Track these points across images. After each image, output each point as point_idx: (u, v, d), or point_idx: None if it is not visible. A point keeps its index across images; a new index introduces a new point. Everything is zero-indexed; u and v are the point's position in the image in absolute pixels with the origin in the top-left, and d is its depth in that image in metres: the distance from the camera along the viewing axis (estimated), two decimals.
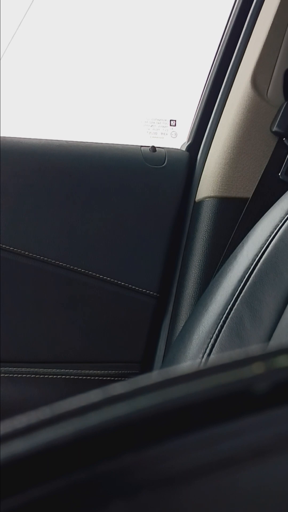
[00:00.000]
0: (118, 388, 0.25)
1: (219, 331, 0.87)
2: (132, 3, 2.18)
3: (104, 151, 1.19)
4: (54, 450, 0.23)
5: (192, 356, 0.89)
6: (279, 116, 1.16)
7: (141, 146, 1.21)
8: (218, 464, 0.24)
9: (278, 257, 0.87)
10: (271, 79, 1.17)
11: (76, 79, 2.23)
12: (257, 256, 0.89)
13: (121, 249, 1.17)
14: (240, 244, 0.95)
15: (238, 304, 0.87)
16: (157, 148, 1.20)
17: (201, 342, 0.88)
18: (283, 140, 1.17)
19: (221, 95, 1.22)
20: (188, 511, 0.24)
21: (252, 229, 0.95)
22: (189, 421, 0.24)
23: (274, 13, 1.16)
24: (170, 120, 1.93)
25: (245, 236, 0.95)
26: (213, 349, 0.87)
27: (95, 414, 0.24)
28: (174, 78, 2.13)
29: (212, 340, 0.87)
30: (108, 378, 1.16)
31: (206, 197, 1.18)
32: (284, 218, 0.89)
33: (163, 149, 1.21)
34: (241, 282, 0.88)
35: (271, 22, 1.16)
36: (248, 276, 0.88)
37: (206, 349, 0.87)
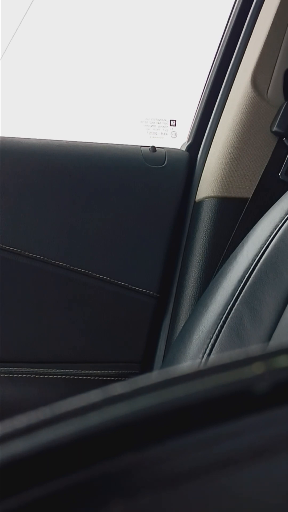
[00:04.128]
0: (118, 388, 0.25)
1: (219, 331, 0.87)
2: (132, 3, 2.18)
3: (104, 151, 1.19)
4: (54, 451, 0.23)
5: (192, 356, 0.89)
6: (279, 116, 1.16)
7: (141, 146, 1.21)
8: (218, 464, 0.24)
9: (278, 257, 0.87)
10: (271, 79, 1.17)
11: (76, 79, 2.23)
12: (257, 256, 0.89)
13: (121, 249, 1.17)
14: (240, 244, 0.95)
15: (238, 304, 0.87)
16: (157, 148, 1.20)
17: (201, 342, 0.88)
18: (283, 140, 1.17)
19: (221, 95, 1.22)
20: (188, 511, 0.24)
21: (252, 229, 0.95)
22: (189, 421, 0.24)
23: (274, 13, 1.16)
24: (170, 120, 1.93)
25: (245, 236, 0.95)
26: (213, 349, 0.87)
27: (95, 414, 0.24)
28: (174, 78, 2.13)
29: (212, 340, 0.87)
30: (108, 378, 1.16)
31: (206, 197, 1.18)
32: (284, 218, 0.89)
33: (163, 149, 1.21)
34: (241, 282, 0.88)
35: (271, 22, 1.16)
36: (248, 276, 0.88)
37: (206, 349, 0.87)
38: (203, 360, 0.87)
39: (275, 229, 0.89)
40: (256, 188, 1.16)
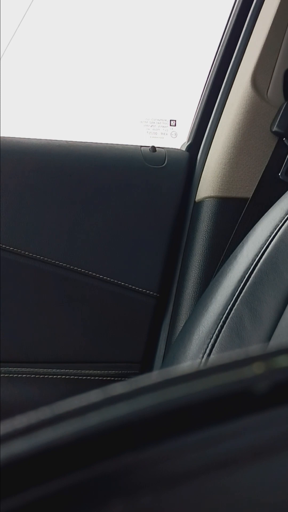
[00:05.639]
0: (118, 388, 0.25)
1: (219, 331, 0.87)
2: (132, 3, 2.18)
3: (104, 151, 1.19)
4: (54, 450, 0.23)
5: (192, 356, 0.89)
6: (279, 116, 1.16)
7: (141, 146, 1.21)
8: (218, 464, 0.24)
9: (278, 257, 0.87)
10: (271, 79, 1.17)
11: (76, 80, 2.23)
12: (257, 256, 0.89)
13: (121, 249, 1.17)
14: (240, 244, 0.95)
15: (238, 304, 0.87)
16: (157, 148, 1.20)
17: (201, 342, 0.88)
18: (283, 140, 1.17)
19: (221, 95, 1.22)
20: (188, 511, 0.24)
21: (252, 229, 0.95)
22: (189, 421, 0.24)
23: (274, 13, 1.16)
24: (170, 120, 1.93)
25: (245, 236, 0.95)
26: (213, 349, 0.87)
27: (95, 414, 0.24)
28: (174, 79, 2.13)
29: (212, 340, 0.87)
30: (108, 378, 1.16)
31: (206, 197, 1.18)
32: (284, 218, 0.89)
33: (163, 149, 1.21)
34: (241, 282, 0.88)
35: (271, 22, 1.16)
36: (248, 276, 0.88)
37: (206, 349, 0.87)
38: (203, 360, 0.87)
39: (275, 229, 0.89)
40: (256, 188, 1.16)
